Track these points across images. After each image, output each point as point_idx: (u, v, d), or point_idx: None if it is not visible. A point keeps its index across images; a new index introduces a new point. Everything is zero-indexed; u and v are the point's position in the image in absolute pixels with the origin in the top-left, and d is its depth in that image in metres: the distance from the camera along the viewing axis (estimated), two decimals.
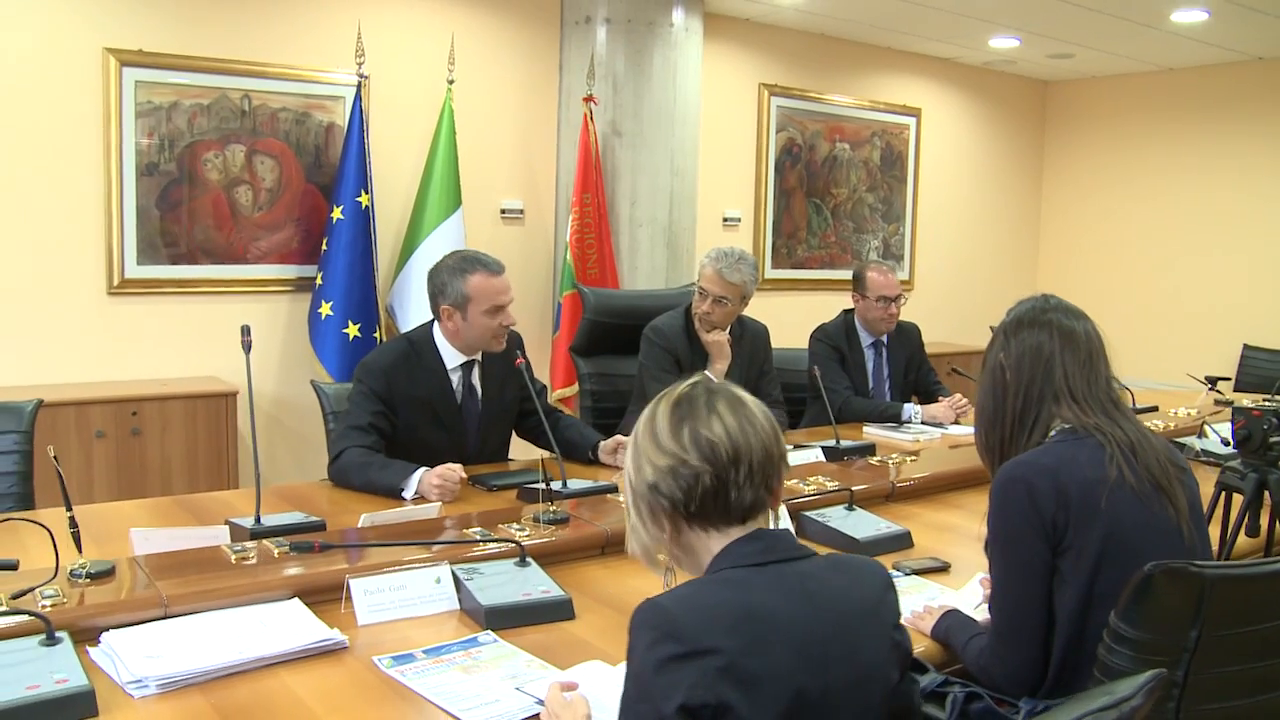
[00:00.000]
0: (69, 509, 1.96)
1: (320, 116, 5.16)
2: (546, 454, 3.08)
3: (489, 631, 1.91)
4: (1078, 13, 5.79)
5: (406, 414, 3.07)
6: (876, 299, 4.29)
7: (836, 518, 2.59)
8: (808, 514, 2.60)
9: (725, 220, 6.62)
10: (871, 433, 3.96)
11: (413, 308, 5.19)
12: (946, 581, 2.29)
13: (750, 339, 3.88)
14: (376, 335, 5.05)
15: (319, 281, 4.98)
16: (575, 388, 5.58)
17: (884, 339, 4.41)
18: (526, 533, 2.33)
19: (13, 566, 1.97)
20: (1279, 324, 6.80)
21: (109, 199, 4.68)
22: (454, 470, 2.79)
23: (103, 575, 1.95)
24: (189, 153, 4.84)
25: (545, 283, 5.98)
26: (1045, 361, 1.83)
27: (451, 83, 5.27)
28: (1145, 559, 1.65)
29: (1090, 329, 1.88)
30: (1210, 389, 6.18)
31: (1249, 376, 6.60)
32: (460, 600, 2.03)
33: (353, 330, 4.97)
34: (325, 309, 4.95)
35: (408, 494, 2.78)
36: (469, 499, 2.85)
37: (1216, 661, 1.50)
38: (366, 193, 5.00)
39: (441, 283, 3.06)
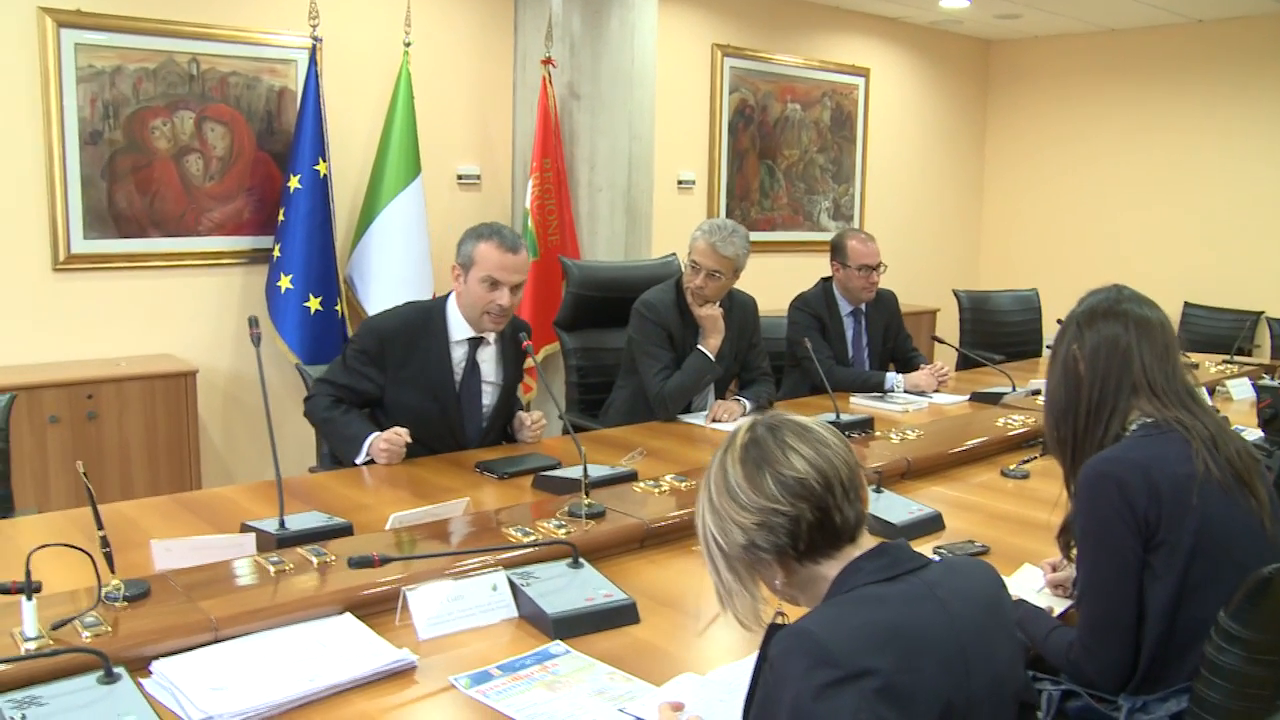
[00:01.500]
0: (100, 526, 1.83)
1: (271, 81, 4.92)
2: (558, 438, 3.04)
3: (559, 641, 1.84)
4: None
5: (398, 380, 2.99)
6: (859, 268, 4.27)
7: (876, 499, 2.57)
8: None
9: (680, 183, 6.54)
10: (859, 403, 3.96)
11: (373, 279, 5.03)
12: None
13: (739, 311, 3.83)
14: (338, 308, 4.88)
15: (277, 254, 4.78)
16: (540, 357, 5.50)
17: (863, 307, 4.40)
18: (567, 529, 2.26)
19: (36, 589, 1.83)
20: (1217, 282, 6.99)
21: (50, 170, 4.40)
22: (400, 435, 2.89)
23: (139, 597, 1.83)
24: (135, 120, 4.58)
25: None
26: (1123, 353, 1.82)
27: (409, 45, 5.07)
28: (1234, 553, 1.66)
29: (1164, 319, 1.87)
30: None
31: (1190, 334, 6.78)
32: (519, 607, 1.96)
33: (314, 304, 4.79)
34: (285, 282, 4.76)
35: (359, 460, 2.89)
36: (481, 487, 2.77)
37: None
38: (324, 161, 4.80)
39: (460, 244, 3.05)
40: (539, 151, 5.43)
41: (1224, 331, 6.28)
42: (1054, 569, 2.10)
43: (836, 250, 4.33)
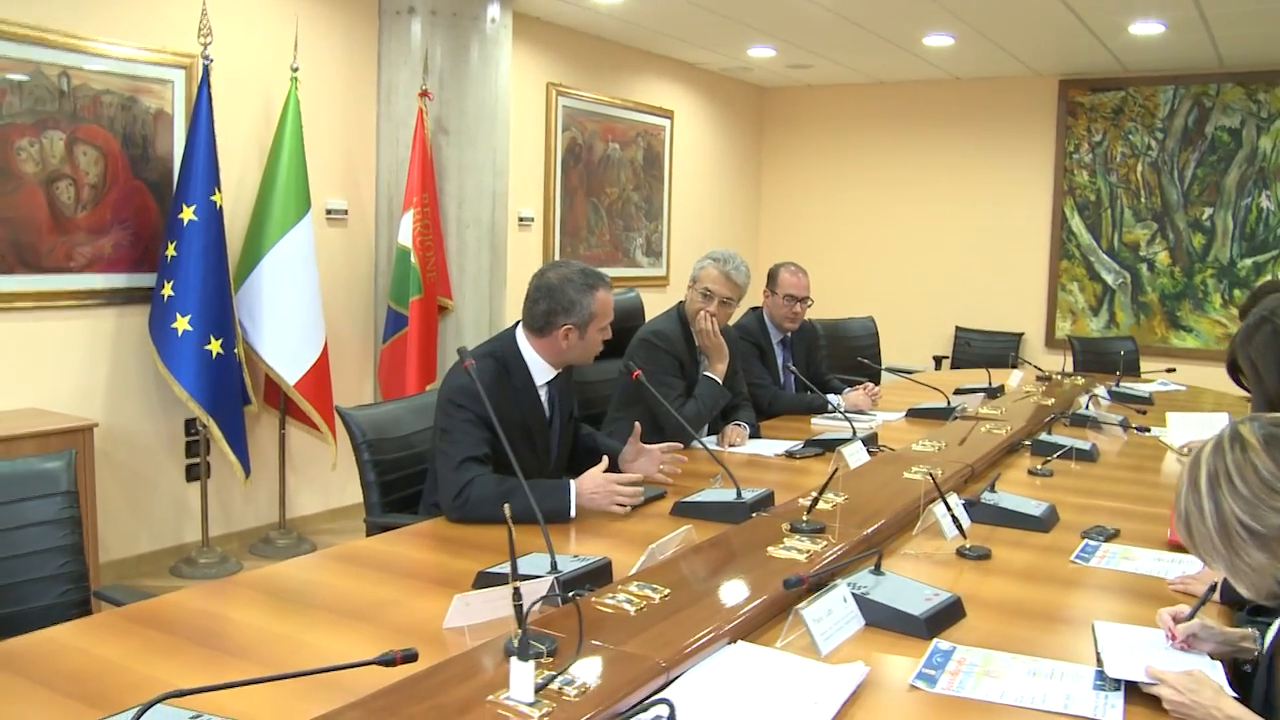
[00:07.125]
0: (514, 575, 1.67)
1: (148, 102, 4.44)
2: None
3: (938, 639, 1.92)
4: (846, 28, 6.35)
5: (503, 432, 2.86)
6: (784, 297, 4.54)
7: (999, 498, 2.81)
8: (986, 499, 2.79)
9: (520, 220, 6.54)
10: (820, 423, 4.22)
11: (264, 320, 4.65)
12: (1132, 544, 2.59)
13: (729, 341, 3.96)
14: (237, 352, 4.46)
15: (169, 293, 4.30)
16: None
17: (788, 336, 4.67)
18: (807, 543, 2.32)
19: (413, 657, 1.65)
20: (983, 307, 7.99)
21: None
22: (618, 478, 2.79)
23: (555, 652, 1.69)
24: (0, 139, 3.97)
25: (367, 286, 5.56)
26: None
27: (296, 71, 4.75)
28: None
29: None
30: (936, 368, 7.14)
31: (962, 354, 7.71)
32: (865, 614, 2.00)
33: (215, 347, 4.35)
34: (181, 324, 4.29)
35: (574, 513, 2.71)
36: (617, 517, 2.74)
37: None
38: (219, 191, 4.39)
39: (569, 300, 2.87)
40: (418, 186, 5.25)
41: (996, 351, 7.20)
42: (1175, 619, 1.90)
43: (770, 278, 4.58)
